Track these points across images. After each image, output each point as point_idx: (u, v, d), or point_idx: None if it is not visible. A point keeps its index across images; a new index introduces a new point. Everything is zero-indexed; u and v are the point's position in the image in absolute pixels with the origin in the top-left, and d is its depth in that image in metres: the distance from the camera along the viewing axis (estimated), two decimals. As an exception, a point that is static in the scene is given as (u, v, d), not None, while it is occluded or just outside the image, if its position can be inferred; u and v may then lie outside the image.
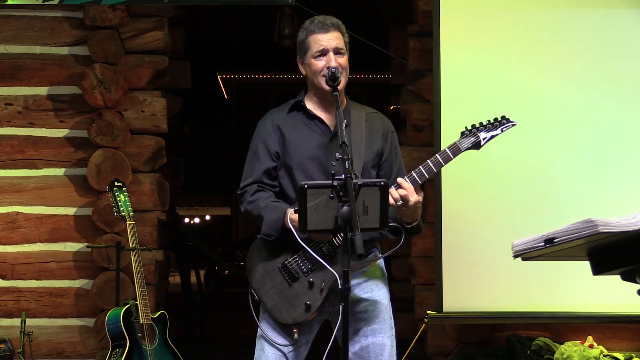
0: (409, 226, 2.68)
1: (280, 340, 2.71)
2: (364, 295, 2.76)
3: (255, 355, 2.76)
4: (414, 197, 2.62)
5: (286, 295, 2.68)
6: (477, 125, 2.75)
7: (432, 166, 2.68)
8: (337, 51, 2.73)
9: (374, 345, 2.73)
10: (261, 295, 2.72)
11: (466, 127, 2.75)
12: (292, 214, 2.59)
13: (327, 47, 2.72)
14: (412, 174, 2.66)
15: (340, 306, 2.31)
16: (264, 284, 2.72)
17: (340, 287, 2.34)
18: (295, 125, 2.79)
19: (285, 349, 2.70)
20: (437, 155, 2.69)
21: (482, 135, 2.73)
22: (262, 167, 2.78)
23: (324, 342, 2.60)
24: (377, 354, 2.73)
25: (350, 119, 2.79)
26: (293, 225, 2.55)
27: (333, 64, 2.70)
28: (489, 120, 2.77)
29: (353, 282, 2.67)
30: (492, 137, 2.75)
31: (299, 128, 2.79)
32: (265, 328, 2.74)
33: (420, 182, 2.66)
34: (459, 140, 2.73)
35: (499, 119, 2.79)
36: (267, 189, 2.78)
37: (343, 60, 2.74)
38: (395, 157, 2.88)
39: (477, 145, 2.73)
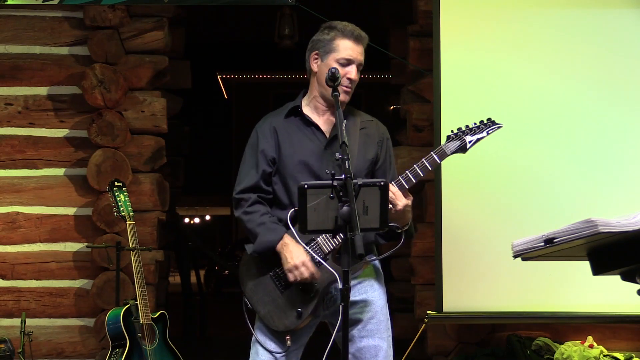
0: (400, 231, 2.68)
1: (273, 347, 2.72)
2: (359, 297, 2.76)
3: (250, 358, 2.77)
4: (402, 201, 2.63)
5: (278, 303, 2.69)
6: (463, 129, 2.75)
7: (419, 171, 2.68)
8: (359, 66, 2.76)
9: (368, 347, 2.74)
10: (254, 304, 2.73)
11: (452, 131, 2.75)
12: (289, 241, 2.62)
13: (354, 59, 2.74)
14: (399, 179, 2.67)
15: (340, 306, 2.31)
16: (256, 292, 2.73)
17: (340, 287, 2.34)
18: (291, 131, 2.79)
19: (280, 355, 2.71)
20: (423, 160, 2.70)
21: (468, 138, 2.74)
22: (259, 172, 2.78)
23: (324, 343, 2.61)
24: (372, 354, 2.73)
25: (345, 125, 2.79)
26: (294, 229, 2.56)
27: (354, 76, 2.73)
28: (475, 123, 2.77)
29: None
30: (478, 140, 2.75)
31: (295, 135, 2.78)
32: (259, 335, 2.75)
33: (407, 186, 2.67)
34: (445, 144, 2.73)
35: (485, 121, 2.78)
36: (264, 196, 2.78)
37: (358, 75, 2.76)
38: (389, 164, 2.88)
39: (463, 149, 2.74)
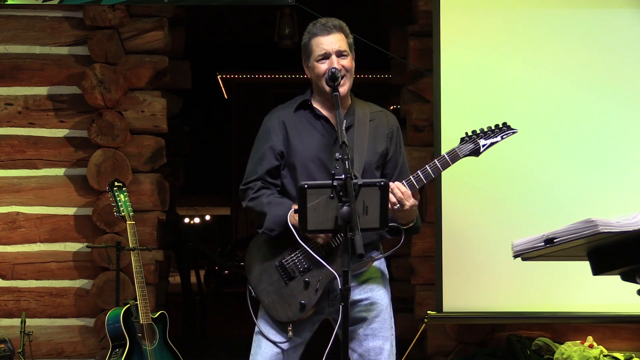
0: (405, 227, 2.69)
1: (277, 337, 2.73)
2: (363, 296, 2.76)
3: (252, 351, 2.78)
4: (410, 202, 2.62)
5: (282, 293, 2.70)
6: (477, 132, 2.73)
7: (430, 172, 2.68)
8: (339, 54, 2.72)
9: (373, 347, 2.74)
10: (258, 292, 2.74)
11: (466, 133, 2.73)
12: (293, 214, 2.60)
13: (329, 50, 2.72)
14: (410, 179, 2.66)
15: (340, 306, 2.31)
16: (261, 281, 2.74)
17: (340, 287, 2.34)
18: (300, 124, 2.79)
19: (283, 346, 2.72)
20: (435, 161, 2.69)
21: (482, 142, 2.72)
22: (266, 166, 2.78)
23: (325, 342, 2.61)
24: (376, 354, 2.74)
25: (354, 118, 2.79)
26: (293, 225, 2.55)
27: (336, 66, 2.69)
28: (489, 127, 2.75)
29: (351, 283, 2.67)
30: (492, 144, 2.73)
31: (304, 127, 2.79)
32: (262, 325, 2.76)
33: (417, 187, 2.66)
34: (458, 147, 2.72)
35: (500, 125, 2.76)
36: (271, 187, 2.79)
37: (346, 62, 2.73)
38: (399, 156, 2.87)
39: (476, 152, 2.72)
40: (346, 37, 2.77)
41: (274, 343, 2.72)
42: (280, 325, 2.73)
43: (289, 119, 2.81)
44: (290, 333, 2.70)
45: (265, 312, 2.76)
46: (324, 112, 2.80)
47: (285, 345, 2.72)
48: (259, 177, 2.79)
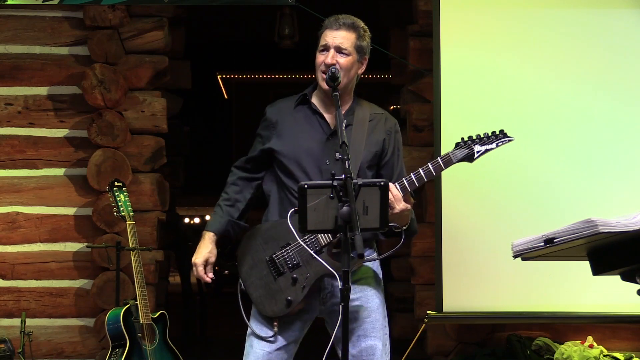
0: (397, 230, 2.68)
1: (264, 332, 2.74)
2: (354, 296, 2.75)
3: (244, 352, 2.79)
4: (401, 205, 2.62)
5: (270, 288, 2.72)
6: (473, 137, 2.73)
7: (423, 175, 2.68)
8: (339, 50, 2.73)
9: (365, 347, 2.74)
10: (247, 286, 2.76)
11: (462, 138, 2.73)
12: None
13: (329, 43, 2.74)
14: (403, 181, 2.67)
15: (340, 306, 2.31)
16: (250, 275, 2.76)
17: (341, 287, 2.34)
18: (297, 118, 2.82)
19: (273, 345, 2.73)
20: (429, 164, 2.70)
21: (477, 148, 2.72)
22: (251, 153, 2.89)
23: (324, 343, 2.61)
24: (369, 354, 2.74)
25: (353, 118, 2.80)
26: (292, 224, 2.56)
27: (329, 60, 2.71)
28: (485, 133, 2.75)
29: None
30: (487, 150, 2.73)
31: (300, 122, 2.81)
32: (254, 324, 2.78)
33: (410, 189, 2.67)
34: (453, 151, 2.72)
35: (497, 132, 2.76)
36: (248, 176, 2.89)
37: (344, 60, 2.73)
38: (397, 159, 2.87)
39: (470, 158, 2.72)
40: (357, 38, 2.77)
41: (264, 339, 2.73)
42: (268, 320, 2.74)
43: (287, 112, 2.84)
44: (275, 328, 2.72)
45: (256, 311, 2.77)
46: (321, 109, 2.82)
47: (273, 339, 2.73)
48: (240, 164, 2.91)
